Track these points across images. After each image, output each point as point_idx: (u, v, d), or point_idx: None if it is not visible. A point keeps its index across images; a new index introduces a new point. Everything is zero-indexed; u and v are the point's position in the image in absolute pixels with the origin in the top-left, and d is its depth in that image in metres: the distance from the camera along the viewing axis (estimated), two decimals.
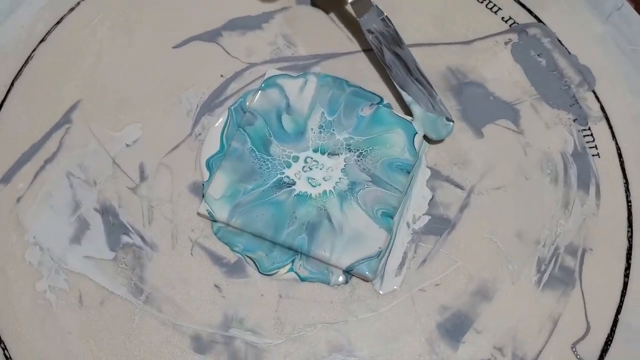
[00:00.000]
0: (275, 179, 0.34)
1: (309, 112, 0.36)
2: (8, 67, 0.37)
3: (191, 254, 0.33)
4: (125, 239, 0.33)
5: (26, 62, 0.37)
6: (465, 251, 0.34)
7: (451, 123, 0.36)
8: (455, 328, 0.32)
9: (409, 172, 0.34)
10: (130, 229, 0.33)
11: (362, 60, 0.38)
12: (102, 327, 0.32)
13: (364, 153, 0.35)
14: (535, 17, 0.40)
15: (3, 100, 0.36)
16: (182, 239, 0.33)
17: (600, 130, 0.37)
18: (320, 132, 0.35)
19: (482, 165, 0.36)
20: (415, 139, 0.35)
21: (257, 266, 0.33)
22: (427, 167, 0.35)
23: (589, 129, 0.37)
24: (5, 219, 0.33)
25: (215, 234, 0.33)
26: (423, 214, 0.34)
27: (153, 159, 0.35)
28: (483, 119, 0.37)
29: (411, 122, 0.35)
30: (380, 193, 0.34)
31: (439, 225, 0.34)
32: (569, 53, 0.39)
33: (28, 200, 0.34)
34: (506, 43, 0.39)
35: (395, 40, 0.37)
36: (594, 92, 0.38)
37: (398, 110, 0.36)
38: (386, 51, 0.37)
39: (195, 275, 0.33)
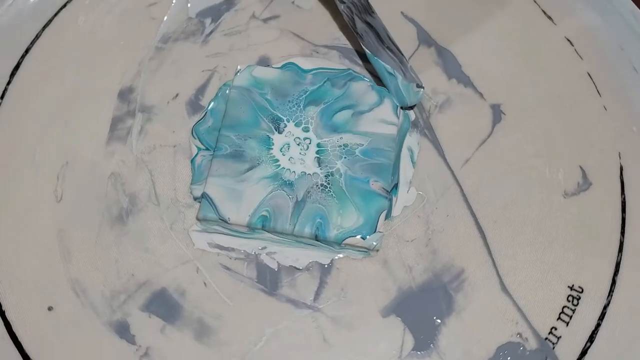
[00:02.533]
0: (277, 116, 0.38)
1: (361, 134, 0.37)
2: None
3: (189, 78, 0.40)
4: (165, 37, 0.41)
5: None
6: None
7: (421, 90, 0.38)
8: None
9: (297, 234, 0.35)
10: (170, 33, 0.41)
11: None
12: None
13: (325, 189, 0.36)
14: None
15: None
16: (200, 64, 0.40)
17: None
18: (339, 147, 0.37)
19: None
20: (352, 238, 0.34)
21: (197, 125, 0.38)
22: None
23: None
24: None
25: (221, 87, 0.39)
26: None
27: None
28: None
29: (370, 236, 0.34)
30: (282, 205, 0.35)
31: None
32: None
33: None
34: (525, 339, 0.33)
35: (366, 9, 0.39)
36: None
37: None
38: (357, 20, 0.38)
39: (169, 88, 0.39)
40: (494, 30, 0.42)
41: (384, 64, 0.38)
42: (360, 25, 0.40)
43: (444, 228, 0.36)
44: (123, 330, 0.33)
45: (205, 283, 0.35)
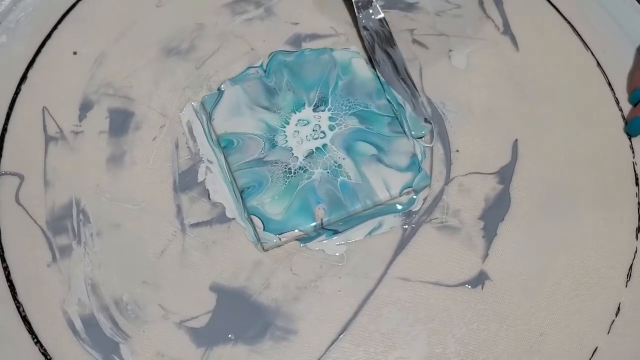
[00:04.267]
0: (327, 99, 0.39)
1: (359, 173, 0.37)
2: None
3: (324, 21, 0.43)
4: None
5: None
6: None
7: (429, 125, 0.40)
8: None
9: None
10: None
11: None
12: None
13: (287, 174, 0.37)
14: None
15: None
16: (342, 22, 0.43)
17: None
18: (333, 163, 0.38)
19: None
20: (257, 219, 0.36)
21: (281, 52, 0.41)
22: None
23: None
24: None
25: (326, 48, 0.42)
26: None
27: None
28: None
29: (270, 234, 0.36)
30: (251, 149, 0.38)
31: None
32: None
33: None
34: None
35: (388, 40, 0.41)
36: None
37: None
38: (377, 49, 0.41)
39: (304, 17, 0.43)
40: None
41: (395, 94, 0.40)
42: (379, 54, 0.42)
43: (324, 293, 0.36)
44: (86, 108, 0.39)
45: (154, 138, 0.39)
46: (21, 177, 0.38)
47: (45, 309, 0.35)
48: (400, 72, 0.41)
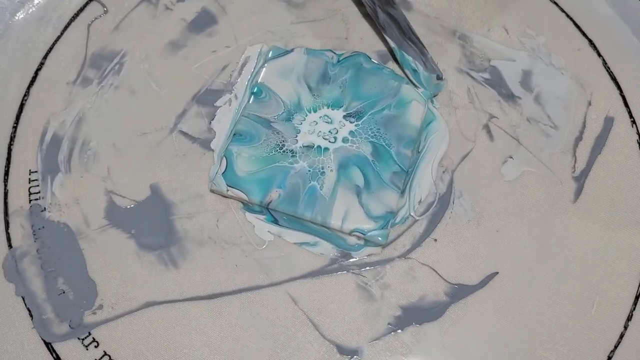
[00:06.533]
0: (371, 132, 0.40)
1: (336, 194, 0.37)
2: None
3: None
4: None
5: None
6: None
7: (441, 81, 0.41)
8: None
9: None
10: None
11: None
12: None
13: (279, 148, 0.39)
14: None
15: None
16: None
17: None
18: (321, 167, 0.38)
19: None
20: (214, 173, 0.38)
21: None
22: None
23: None
24: None
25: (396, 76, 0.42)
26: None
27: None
28: None
29: (218, 180, 0.38)
30: (269, 110, 0.40)
31: None
32: None
33: None
34: None
35: (387, 1, 0.41)
36: None
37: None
38: (379, 12, 0.41)
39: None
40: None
41: (408, 57, 0.40)
42: (382, 16, 0.41)
43: (224, 258, 0.37)
44: None
45: (214, 51, 0.42)
46: (105, 12, 0.44)
47: (38, 109, 0.41)
48: (406, 32, 0.41)
